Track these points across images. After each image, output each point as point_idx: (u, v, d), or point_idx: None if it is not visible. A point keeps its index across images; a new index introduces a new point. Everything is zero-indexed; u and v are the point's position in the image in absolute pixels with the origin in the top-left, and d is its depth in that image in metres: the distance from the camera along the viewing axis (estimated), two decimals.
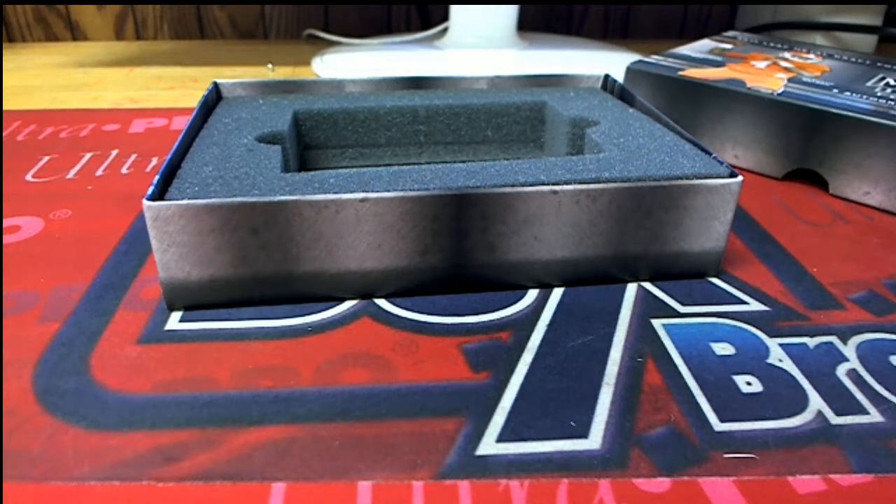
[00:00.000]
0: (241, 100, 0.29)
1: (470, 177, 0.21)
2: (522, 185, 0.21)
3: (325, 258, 0.21)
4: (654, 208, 0.22)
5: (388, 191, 0.20)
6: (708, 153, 0.23)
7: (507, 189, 0.21)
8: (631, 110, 0.29)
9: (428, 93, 0.31)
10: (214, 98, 0.29)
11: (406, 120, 0.29)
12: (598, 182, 0.21)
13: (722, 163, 0.23)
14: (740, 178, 0.22)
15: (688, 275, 0.23)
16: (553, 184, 0.21)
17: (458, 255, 0.21)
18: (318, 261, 0.21)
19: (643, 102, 0.28)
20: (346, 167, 0.28)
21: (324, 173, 0.22)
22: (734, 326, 0.21)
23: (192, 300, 0.21)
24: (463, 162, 0.24)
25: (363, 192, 0.20)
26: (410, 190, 0.20)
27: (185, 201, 0.19)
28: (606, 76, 0.32)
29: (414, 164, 0.30)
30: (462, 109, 0.29)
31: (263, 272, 0.21)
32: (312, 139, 0.29)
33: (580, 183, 0.21)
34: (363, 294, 0.22)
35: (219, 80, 0.30)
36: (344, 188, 0.21)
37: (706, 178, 0.22)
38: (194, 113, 0.26)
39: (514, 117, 0.30)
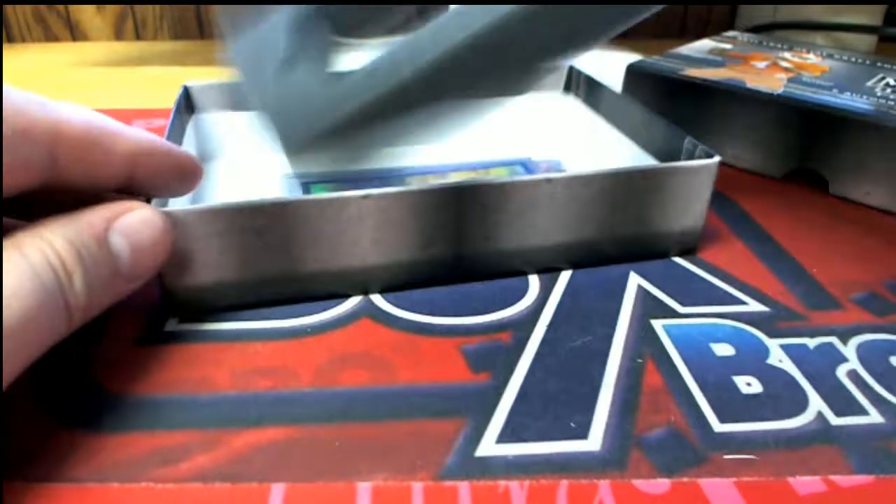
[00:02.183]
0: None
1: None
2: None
3: (328, 256, 0.21)
4: (641, 191, 0.23)
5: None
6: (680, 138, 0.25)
7: (506, 179, 0.21)
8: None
9: None
10: (185, 105, 0.28)
11: None
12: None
13: (696, 145, 0.24)
14: (717, 158, 0.23)
15: (670, 253, 0.25)
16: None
17: (458, 246, 0.22)
18: (320, 260, 0.21)
19: (611, 91, 0.30)
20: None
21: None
22: (734, 327, 0.21)
23: (196, 306, 0.21)
24: None
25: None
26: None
27: (188, 206, 0.19)
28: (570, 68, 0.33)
29: None
30: None
31: (268, 274, 0.21)
32: None
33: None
34: (365, 290, 0.22)
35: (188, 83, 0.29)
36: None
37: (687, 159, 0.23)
38: (168, 127, 0.24)
39: None
